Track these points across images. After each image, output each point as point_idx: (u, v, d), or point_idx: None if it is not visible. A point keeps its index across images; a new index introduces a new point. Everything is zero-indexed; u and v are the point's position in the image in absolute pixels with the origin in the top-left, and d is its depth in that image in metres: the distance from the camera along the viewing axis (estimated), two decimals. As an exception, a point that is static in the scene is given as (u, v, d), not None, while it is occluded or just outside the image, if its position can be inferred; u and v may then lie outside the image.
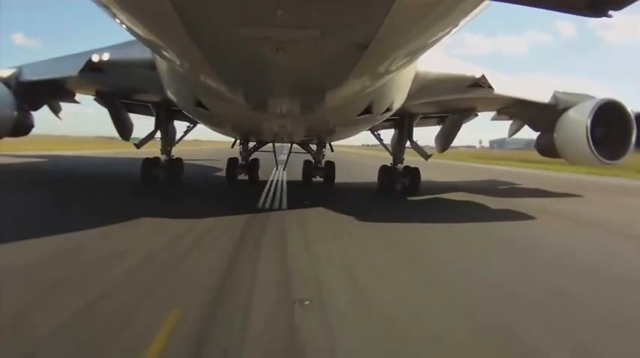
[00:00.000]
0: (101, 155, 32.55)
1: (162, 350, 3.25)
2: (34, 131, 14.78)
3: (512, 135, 17.73)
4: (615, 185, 20.01)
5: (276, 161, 17.46)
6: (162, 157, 14.14)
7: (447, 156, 18.12)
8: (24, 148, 30.17)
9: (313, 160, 16.30)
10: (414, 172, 13.88)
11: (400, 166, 14.03)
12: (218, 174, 18.86)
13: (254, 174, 15.50)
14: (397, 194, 13.14)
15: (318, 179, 15.84)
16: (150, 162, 14.00)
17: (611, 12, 3.11)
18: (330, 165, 15.99)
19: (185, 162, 15.47)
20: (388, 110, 10.47)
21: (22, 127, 13.81)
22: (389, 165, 14.49)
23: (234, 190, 13.76)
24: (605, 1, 3.17)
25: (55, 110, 16.09)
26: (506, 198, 13.49)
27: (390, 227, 8.44)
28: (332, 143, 17.58)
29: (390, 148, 14.89)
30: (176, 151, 15.21)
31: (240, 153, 16.24)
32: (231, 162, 15.72)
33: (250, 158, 16.12)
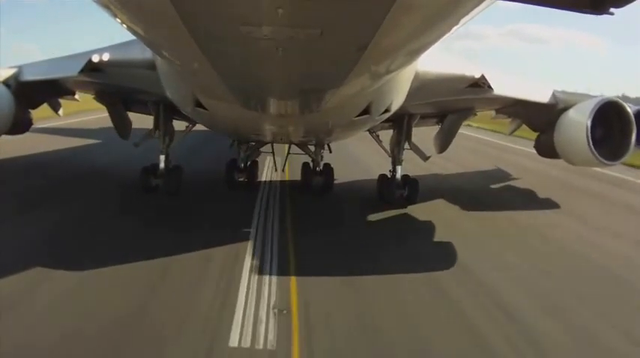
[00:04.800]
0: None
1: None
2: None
3: (511, 133, 17.75)
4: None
5: (275, 163, 17.21)
6: (161, 164, 13.72)
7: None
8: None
9: (312, 163, 15.96)
10: (412, 183, 13.88)
11: (399, 175, 13.89)
12: (218, 172, 18.51)
13: (253, 178, 15.34)
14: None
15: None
16: (149, 172, 13.77)
17: (612, 9, 3.14)
18: (329, 169, 15.62)
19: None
20: (387, 111, 10.43)
21: (20, 126, 14.16)
22: (388, 174, 14.37)
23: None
24: (607, -1, 3.19)
25: (55, 108, 16.34)
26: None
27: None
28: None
29: (388, 149, 14.78)
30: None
31: (239, 153, 16.04)
32: (230, 165, 15.50)
33: (249, 160, 15.82)
